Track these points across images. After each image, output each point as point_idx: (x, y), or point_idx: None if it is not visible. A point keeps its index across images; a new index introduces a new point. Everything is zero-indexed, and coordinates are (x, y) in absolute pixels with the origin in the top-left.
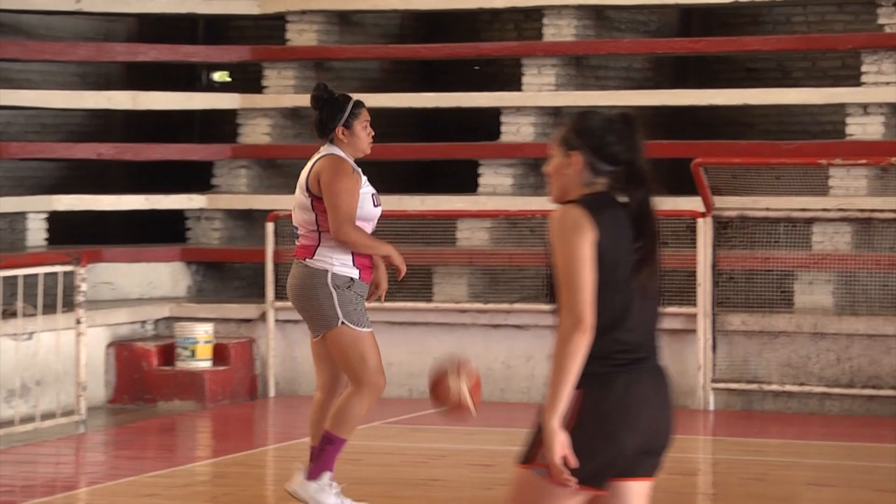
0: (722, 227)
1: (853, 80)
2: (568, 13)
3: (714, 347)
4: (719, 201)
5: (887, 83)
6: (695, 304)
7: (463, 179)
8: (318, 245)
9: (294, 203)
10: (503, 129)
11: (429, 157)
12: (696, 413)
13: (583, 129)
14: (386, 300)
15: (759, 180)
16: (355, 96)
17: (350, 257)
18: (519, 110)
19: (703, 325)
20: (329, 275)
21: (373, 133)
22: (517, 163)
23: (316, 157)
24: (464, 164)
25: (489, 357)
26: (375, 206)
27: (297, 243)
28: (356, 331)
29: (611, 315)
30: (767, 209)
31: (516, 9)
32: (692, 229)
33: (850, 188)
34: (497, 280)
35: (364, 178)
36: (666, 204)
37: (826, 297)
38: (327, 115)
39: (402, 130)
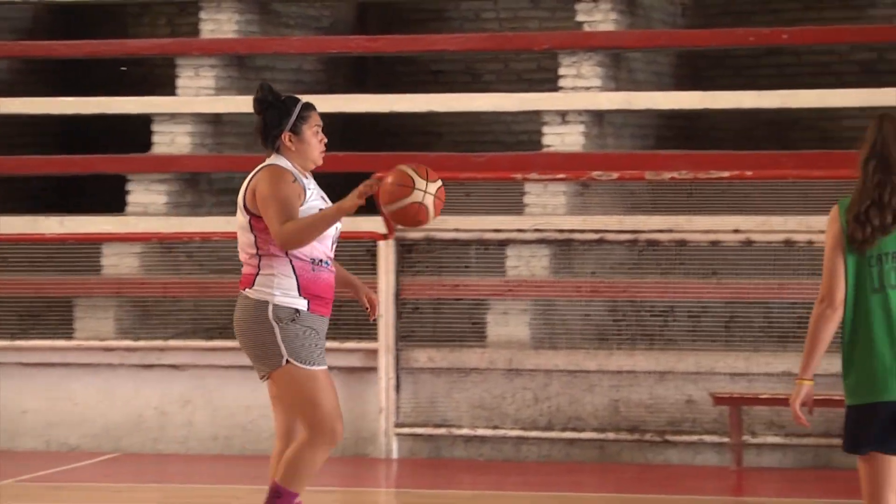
0: (406, 250)
1: (550, 84)
2: (228, 6)
3: (398, 387)
4: None
5: (588, 88)
6: (376, 339)
7: (109, 198)
8: (258, 273)
9: (236, 225)
10: (155, 139)
11: (68, 171)
12: (378, 462)
13: None
14: (17, 337)
15: (448, 197)
16: None
17: (295, 286)
18: (173, 117)
19: (385, 363)
20: (270, 307)
21: (325, 140)
22: (172, 178)
23: (256, 169)
24: (110, 180)
25: (140, 402)
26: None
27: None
28: (304, 369)
29: None
30: (457, 230)
31: (169, 1)
32: (372, 253)
33: (547, 206)
34: (149, 313)
35: (312, 192)
36: (344, 224)
37: (522, 329)
38: (271, 120)
39: (37, 140)
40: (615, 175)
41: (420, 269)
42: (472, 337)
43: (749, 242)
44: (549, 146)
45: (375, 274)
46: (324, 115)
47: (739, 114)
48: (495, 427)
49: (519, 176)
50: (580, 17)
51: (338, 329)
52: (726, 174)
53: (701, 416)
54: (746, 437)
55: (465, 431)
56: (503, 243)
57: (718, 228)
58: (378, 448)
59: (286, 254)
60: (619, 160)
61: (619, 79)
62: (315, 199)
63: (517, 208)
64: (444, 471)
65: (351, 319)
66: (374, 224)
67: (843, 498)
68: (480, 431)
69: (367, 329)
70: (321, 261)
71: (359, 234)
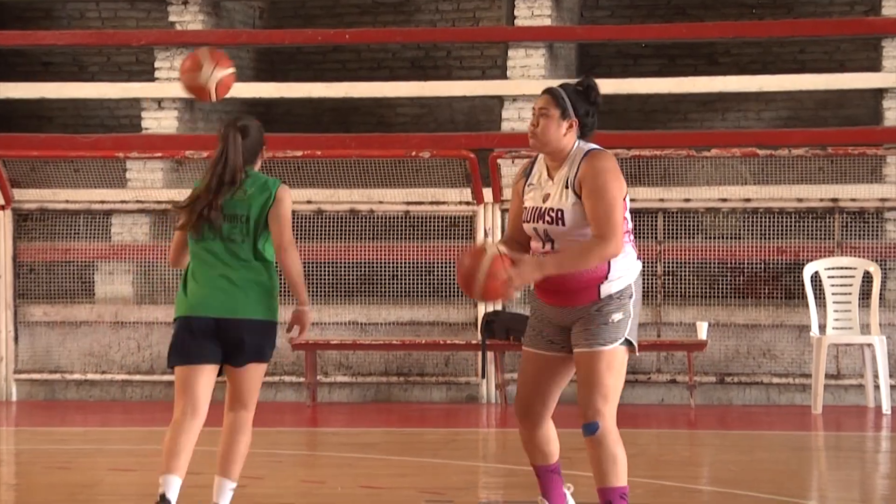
0: (22, 219)
1: (148, 75)
2: None
3: (16, 339)
4: (19, 194)
5: (179, 78)
6: None
7: None
8: None
9: None
10: None
11: None
12: None
13: None
14: None
15: (59, 173)
16: None
17: None
18: None
19: (5, 318)
20: None
21: (534, 125)
22: None
23: None
24: None
25: None
26: (525, 221)
27: None
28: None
29: None
30: (67, 201)
31: None
32: None
33: (147, 180)
34: None
35: (534, 185)
36: None
37: (126, 287)
38: None
39: None
40: (205, 154)
41: (35, 236)
42: (82, 294)
43: (320, 212)
44: (147, 129)
45: None
46: None
47: (309, 102)
48: (103, 372)
49: (121, 154)
50: (172, 18)
51: None
52: (300, 153)
53: (281, 359)
54: (320, 377)
55: (76, 376)
56: (108, 213)
57: (294, 200)
58: None
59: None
60: (209, 141)
61: None
62: (527, 196)
63: (120, 182)
64: (58, 411)
65: None
66: None
67: (397, 427)
68: (90, 376)
69: None
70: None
71: None
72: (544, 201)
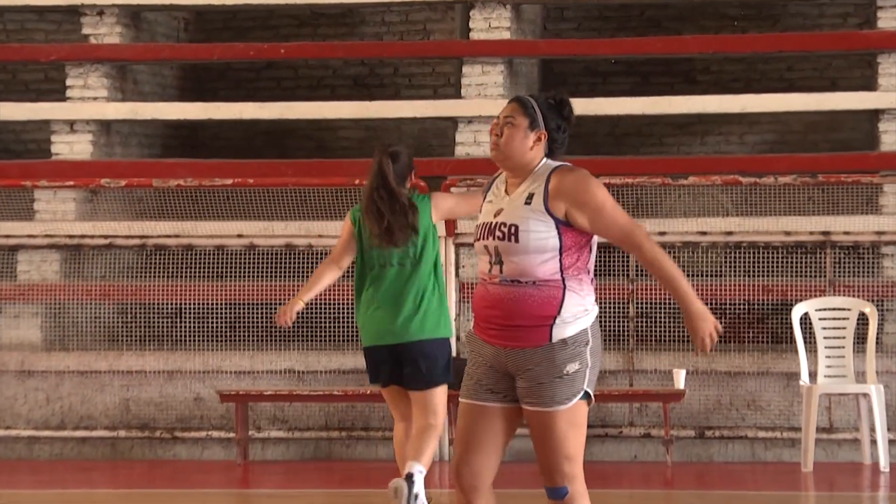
0: None
1: (58, 94)
2: None
3: None
4: None
5: (95, 98)
6: None
7: None
8: None
9: None
10: None
11: None
12: None
13: None
14: None
15: None
16: None
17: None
18: None
19: None
20: None
21: (497, 135)
22: None
23: None
24: None
25: None
26: (476, 239)
27: None
28: None
29: None
30: None
31: None
32: None
33: (57, 212)
34: None
35: (491, 201)
36: None
37: (34, 332)
38: None
39: None
40: (123, 182)
41: None
42: None
43: (253, 246)
44: (57, 154)
45: None
46: None
47: (240, 124)
48: (8, 427)
49: (28, 183)
50: (86, 30)
51: None
52: (229, 181)
53: (209, 412)
54: (252, 432)
55: None
56: (14, 248)
57: (223, 233)
58: None
59: None
60: (127, 168)
61: (126, 90)
62: (482, 212)
63: (27, 214)
64: None
65: None
66: None
67: (340, 488)
68: None
69: None
70: (483, 278)
71: None
72: (496, 216)
